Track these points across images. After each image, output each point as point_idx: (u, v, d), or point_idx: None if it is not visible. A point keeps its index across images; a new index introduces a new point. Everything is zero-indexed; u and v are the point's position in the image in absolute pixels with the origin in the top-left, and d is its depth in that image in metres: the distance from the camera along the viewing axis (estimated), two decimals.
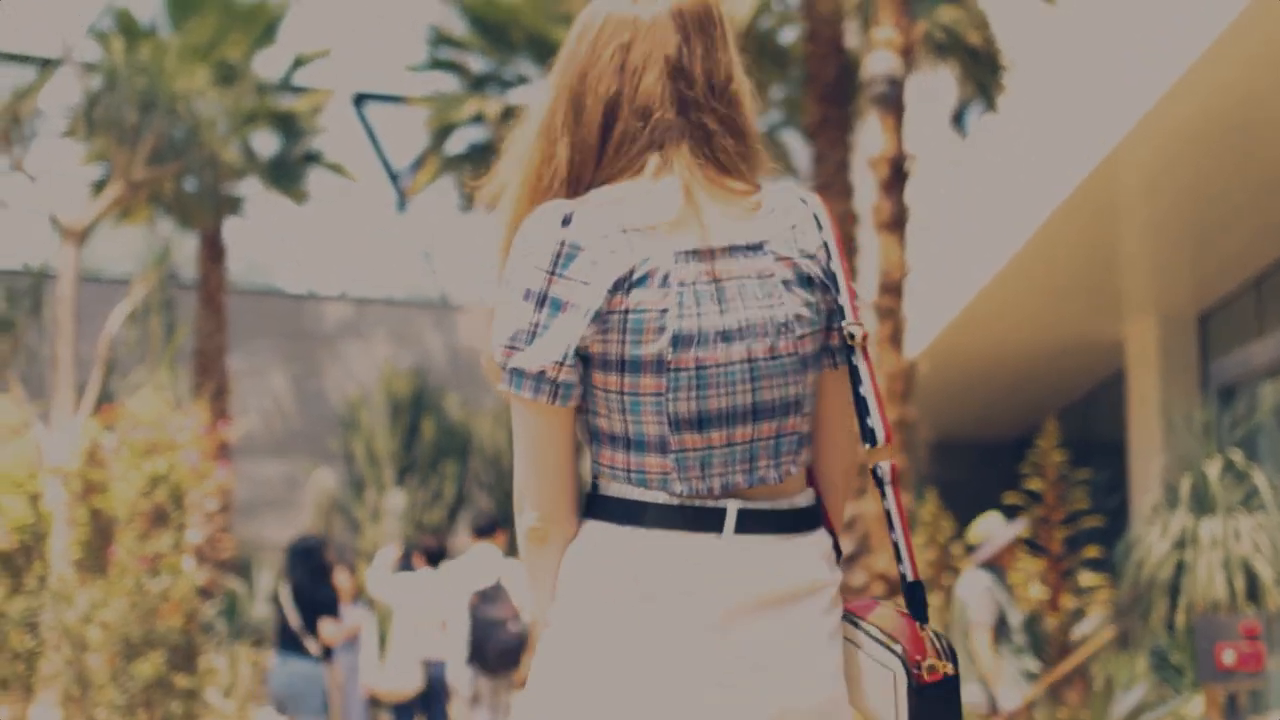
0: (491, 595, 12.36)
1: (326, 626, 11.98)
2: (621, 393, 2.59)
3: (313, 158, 27.82)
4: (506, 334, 2.61)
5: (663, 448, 2.59)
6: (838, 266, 2.69)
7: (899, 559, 2.69)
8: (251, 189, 27.79)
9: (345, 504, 26.71)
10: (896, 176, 13.58)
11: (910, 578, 2.67)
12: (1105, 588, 15.77)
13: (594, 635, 2.58)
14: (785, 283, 2.63)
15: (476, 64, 25.90)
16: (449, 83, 26.27)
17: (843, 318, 2.70)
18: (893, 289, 13.25)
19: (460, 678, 12.42)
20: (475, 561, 13.07)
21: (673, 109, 2.62)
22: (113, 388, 22.25)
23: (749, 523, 2.59)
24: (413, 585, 14.42)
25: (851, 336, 2.68)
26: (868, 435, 2.69)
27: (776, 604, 2.56)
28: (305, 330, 31.37)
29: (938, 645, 2.60)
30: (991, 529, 10.57)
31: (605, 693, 2.54)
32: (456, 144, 26.07)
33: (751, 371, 2.58)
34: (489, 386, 25.38)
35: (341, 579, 15.64)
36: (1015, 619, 10.33)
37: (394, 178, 32.51)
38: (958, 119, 23.36)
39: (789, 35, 22.30)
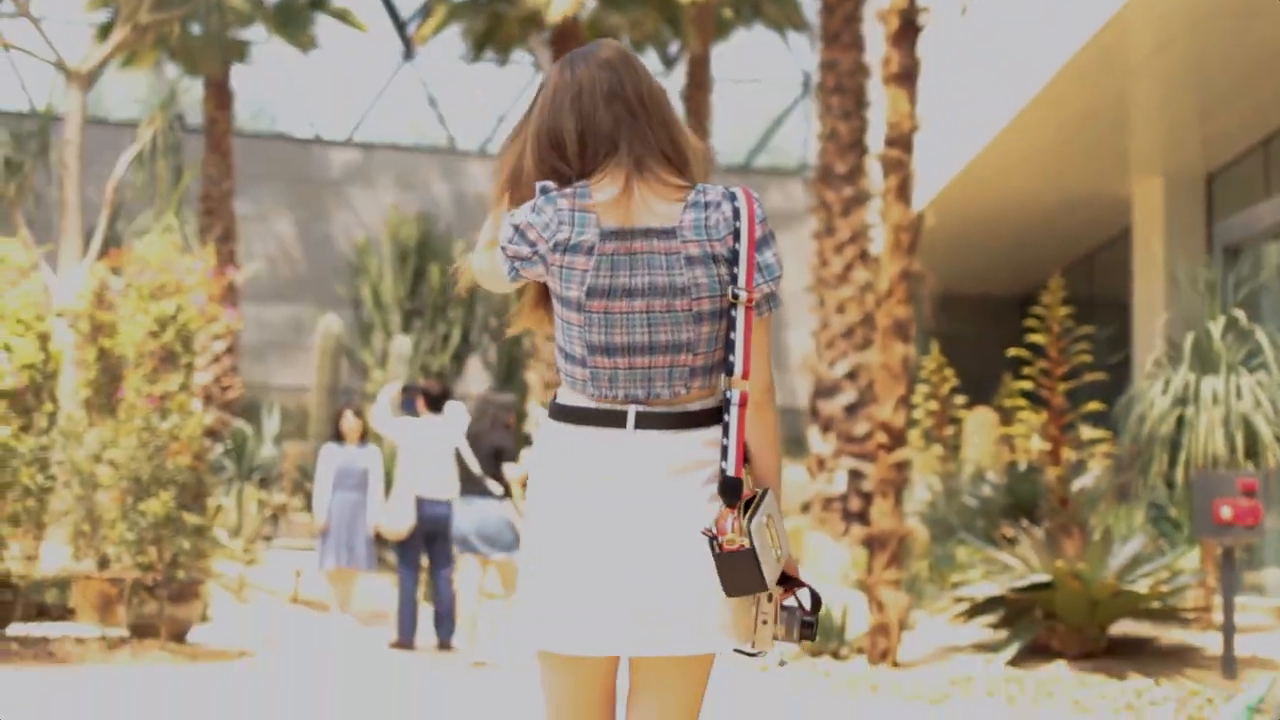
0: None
1: (509, 469, 13.22)
2: (565, 321, 3.74)
3: (319, 4, 27.64)
4: (503, 238, 3.78)
5: (584, 363, 3.72)
6: (743, 247, 3.68)
7: (725, 458, 3.64)
8: (258, 35, 27.64)
9: (352, 349, 26.83)
10: (907, 29, 13.49)
11: (729, 473, 3.62)
12: (1106, 442, 15.92)
13: (546, 498, 3.76)
14: (689, 259, 3.67)
15: None
16: None
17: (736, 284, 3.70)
18: (901, 142, 13.22)
19: None
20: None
21: (617, 126, 3.74)
22: (119, 231, 22.30)
23: (646, 421, 3.69)
24: (415, 428, 14.55)
25: (736, 297, 3.67)
26: (729, 367, 3.71)
27: (669, 475, 3.66)
28: (311, 175, 31.34)
29: (738, 525, 3.53)
30: None
31: (549, 545, 3.73)
32: None
33: (649, 320, 3.66)
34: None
35: (348, 421, 15.77)
36: None
37: (400, 25, 32.31)
38: None
39: None
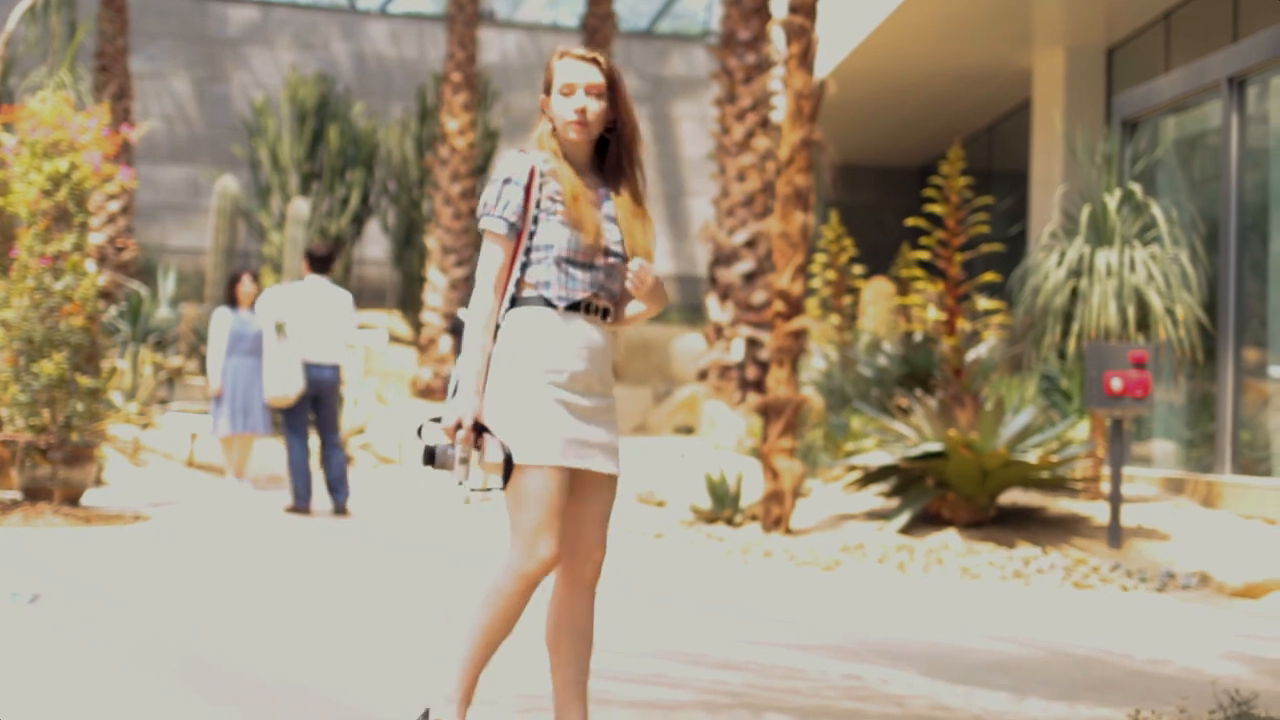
0: None
1: None
2: None
3: None
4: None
5: None
6: None
7: None
8: None
9: (249, 211, 26.57)
10: None
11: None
12: (1001, 313, 16.05)
13: None
14: None
15: None
16: None
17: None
18: (805, 8, 13.17)
19: None
20: None
21: None
22: (12, 87, 21.89)
23: None
24: (299, 292, 14.33)
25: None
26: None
27: None
28: (209, 33, 30.85)
29: None
30: None
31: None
32: None
33: None
34: (395, 95, 25.11)
35: (246, 286, 15.62)
36: None
37: None
38: None
39: None
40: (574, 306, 4.79)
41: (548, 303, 4.78)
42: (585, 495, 4.84)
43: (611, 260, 4.86)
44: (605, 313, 4.88)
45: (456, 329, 14.83)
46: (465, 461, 4.70)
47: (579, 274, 4.80)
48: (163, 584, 9.56)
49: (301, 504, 14.08)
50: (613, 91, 4.86)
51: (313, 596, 9.26)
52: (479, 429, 4.74)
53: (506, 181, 4.81)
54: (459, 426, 4.71)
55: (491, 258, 4.82)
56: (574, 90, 4.81)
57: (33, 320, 12.85)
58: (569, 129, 4.83)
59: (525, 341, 4.77)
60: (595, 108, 4.81)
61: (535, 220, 4.80)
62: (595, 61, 4.84)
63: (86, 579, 9.51)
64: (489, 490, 4.74)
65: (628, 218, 4.88)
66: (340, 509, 14.16)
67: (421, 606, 8.96)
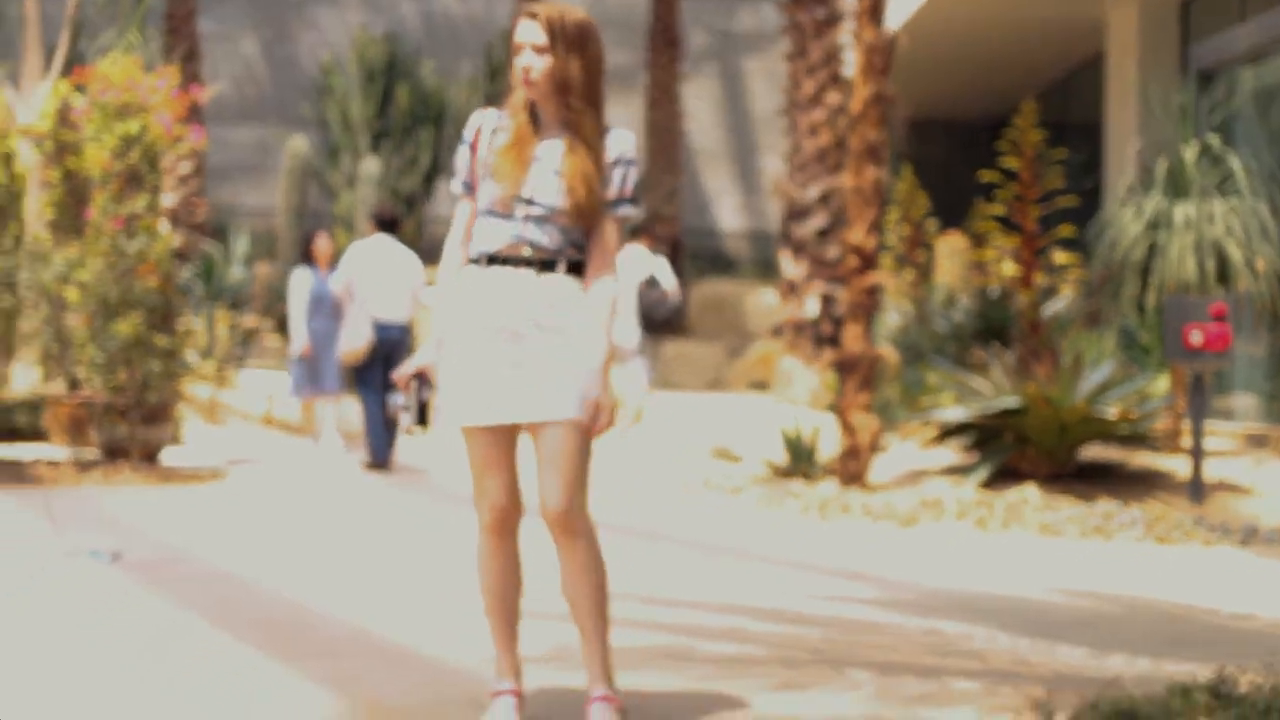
0: (652, 282, 15.05)
1: None
2: None
3: None
4: None
5: None
6: None
7: None
8: None
9: (320, 170, 26.64)
10: None
11: None
12: (1078, 267, 15.91)
13: None
14: None
15: None
16: None
17: None
18: None
19: (631, 336, 14.51)
20: (632, 257, 15.14)
21: None
22: (82, 49, 21.99)
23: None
24: (367, 251, 14.35)
25: None
26: None
27: None
28: None
29: None
30: None
31: None
32: None
33: None
34: (463, 53, 25.08)
35: (323, 244, 15.63)
36: None
37: None
38: None
39: None
40: (494, 259, 4.84)
41: (474, 258, 4.91)
42: (537, 443, 4.85)
43: (537, 211, 4.80)
44: (536, 264, 4.83)
45: None
46: (408, 409, 5.03)
47: (499, 225, 4.84)
48: (242, 541, 9.60)
49: (379, 459, 14.15)
50: (556, 46, 4.80)
51: (392, 552, 9.28)
52: (421, 380, 4.99)
53: (462, 143, 5.03)
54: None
55: (456, 218, 5.03)
56: (522, 49, 4.79)
57: (108, 281, 12.92)
58: (521, 87, 4.84)
59: (453, 300, 4.91)
60: (539, 64, 4.77)
61: (483, 178, 4.92)
62: (537, 17, 4.79)
63: (167, 537, 9.57)
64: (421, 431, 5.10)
65: (572, 171, 4.80)
66: (386, 462, 14.29)
67: None
